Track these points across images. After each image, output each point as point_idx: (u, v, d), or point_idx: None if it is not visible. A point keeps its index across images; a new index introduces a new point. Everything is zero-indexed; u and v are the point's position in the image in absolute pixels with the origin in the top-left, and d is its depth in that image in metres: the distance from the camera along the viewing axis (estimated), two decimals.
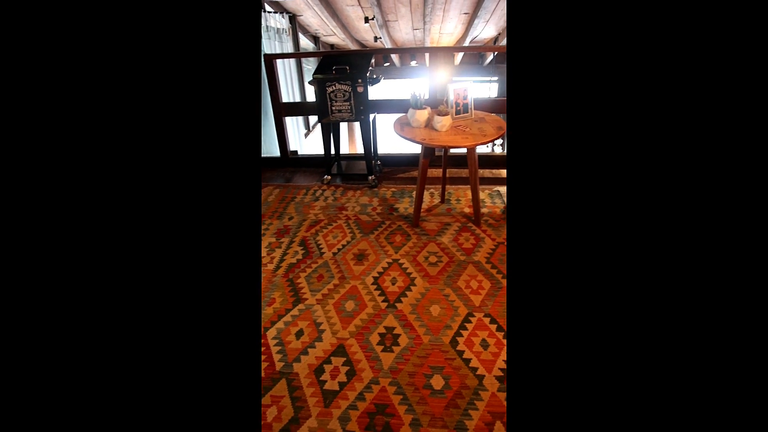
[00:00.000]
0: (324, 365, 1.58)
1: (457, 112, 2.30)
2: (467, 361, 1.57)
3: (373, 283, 2.01)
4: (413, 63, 8.80)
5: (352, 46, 7.26)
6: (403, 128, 2.23)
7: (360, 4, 5.43)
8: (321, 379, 1.52)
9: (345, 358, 1.60)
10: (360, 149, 2.98)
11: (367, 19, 5.86)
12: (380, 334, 1.70)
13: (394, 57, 8.41)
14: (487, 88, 8.84)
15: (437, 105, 2.73)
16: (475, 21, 5.63)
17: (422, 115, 2.19)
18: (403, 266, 2.12)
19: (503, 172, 3.17)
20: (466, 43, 7.06)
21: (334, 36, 7.05)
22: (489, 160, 3.31)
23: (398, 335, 1.70)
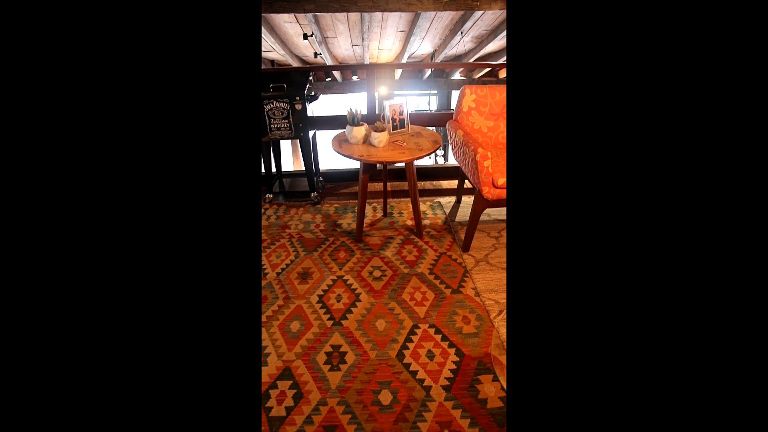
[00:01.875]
0: (270, 391, 1.53)
1: (394, 128, 2.36)
2: (414, 373, 1.59)
3: (318, 302, 1.99)
4: (355, 78, 8.90)
5: (293, 62, 7.24)
6: (341, 145, 2.24)
7: (298, 21, 5.43)
8: (267, 405, 1.48)
9: (291, 381, 1.57)
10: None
11: (305, 36, 5.87)
12: (327, 353, 1.69)
13: (336, 72, 8.47)
14: (427, 101, 9.14)
15: (375, 121, 2.78)
16: (412, 38, 5.81)
17: (359, 131, 2.22)
18: (348, 282, 2.12)
19: (444, 184, 3.27)
20: (405, 58, 7.26)
21: (274, 52, 6.99)
22: (430, 172, 3.40)
23: (345, 353, 1.69)
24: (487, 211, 2.82)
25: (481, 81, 8.55)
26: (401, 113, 2.37)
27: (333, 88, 8.86)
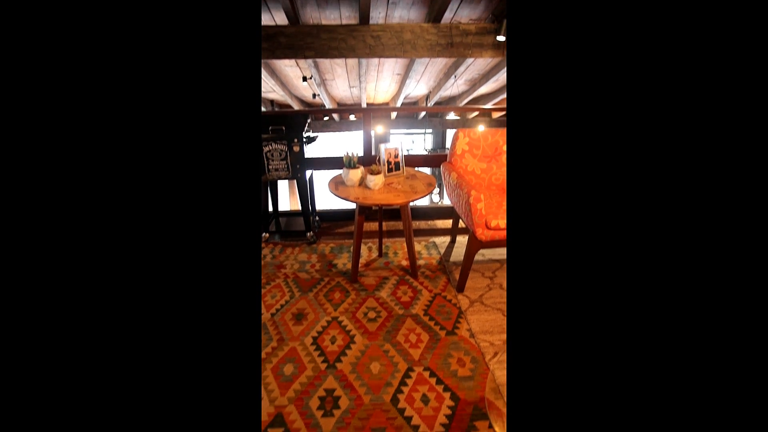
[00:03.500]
0: None
1: (389, 170, 2.42)
2: (409, 419, 1.57)
3: (312, 344, 1.98)
4: (352, 117, 9.14)
5: (292, 102, 7.45)
6: (338, 187, 2.30)
7: (298, 65, 5.64)
8: None
9: (283, 428, 1.54)
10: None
11: (305, 78, 6.07)
12: (320, 398, 1.67)
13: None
14: (412, 140, 9.47)
15: (371, 162, 2.85)
16: (407, 81, 6.02)
17: (356, 174, 2.28)
18: (343, 324, 2.11)
19: (438, 223, 3.32)
20: (401, 99, 7.48)
21: (274, 92, 7.21)
22: (425, 212, 3.45)
23: (338, 397, 1.67)
24: (482, 251, 2.85)
25: (475, 121, 8.79)
26: (396, 156, 2.45)
27: (330, 126, 9.07)
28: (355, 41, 3.96)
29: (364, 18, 3.79)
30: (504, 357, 1.86)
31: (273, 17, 4.02)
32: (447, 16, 4.11)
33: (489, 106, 8.04)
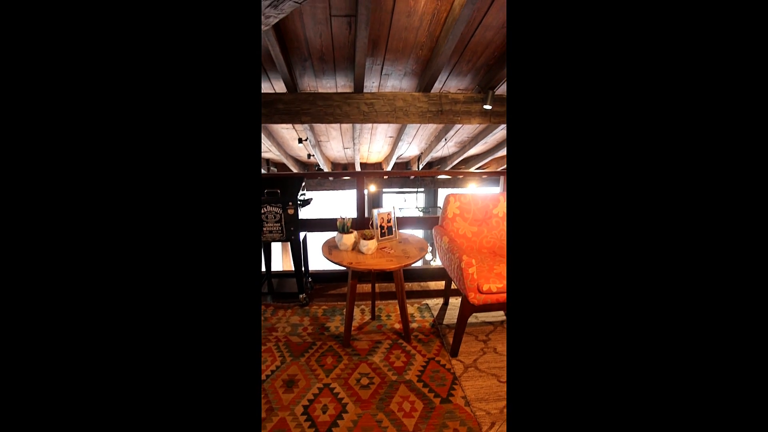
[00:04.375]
0: None
1: (382, 235, 2.47)
2: None
3: (303, 413, 1.91)
4: (345, 178, 9.37)
5: (287, 162, 7.66)
6: (332, 251, 2.33)
7: (294, 128, 5.87)
8: None
9: None
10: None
11: (300, 140, 6.30)
12: None
13: (327, 170, 8.91)
14: (404, 199, 9.71)
15: (365, 224, 2.91)
16: (400, 143, 6.27)
17: (349, 239, 2.33)
18: (335, 391, 2.06)
19: (431, 285, 3.33)
20: (393, 159, 7.73)
21: (270, 152, 7.42)
22: (417, 274, 3.47)
23: None
24: (475, 313, 2.84)
25: (466, 180, 9.04)
26: (389, 220, 2.51)
27: (324, 185, 9.26)
28: (350, 108, 4.17)
29: (359, 87, 4.02)
30: (502, 428, 1.81)
31: (273, 86, 4.25)
32: (436, 87, 4.37)
33: (474, 169, 8.30)
